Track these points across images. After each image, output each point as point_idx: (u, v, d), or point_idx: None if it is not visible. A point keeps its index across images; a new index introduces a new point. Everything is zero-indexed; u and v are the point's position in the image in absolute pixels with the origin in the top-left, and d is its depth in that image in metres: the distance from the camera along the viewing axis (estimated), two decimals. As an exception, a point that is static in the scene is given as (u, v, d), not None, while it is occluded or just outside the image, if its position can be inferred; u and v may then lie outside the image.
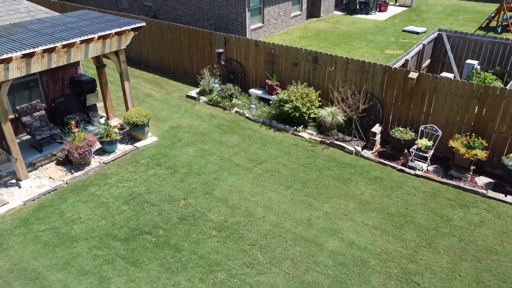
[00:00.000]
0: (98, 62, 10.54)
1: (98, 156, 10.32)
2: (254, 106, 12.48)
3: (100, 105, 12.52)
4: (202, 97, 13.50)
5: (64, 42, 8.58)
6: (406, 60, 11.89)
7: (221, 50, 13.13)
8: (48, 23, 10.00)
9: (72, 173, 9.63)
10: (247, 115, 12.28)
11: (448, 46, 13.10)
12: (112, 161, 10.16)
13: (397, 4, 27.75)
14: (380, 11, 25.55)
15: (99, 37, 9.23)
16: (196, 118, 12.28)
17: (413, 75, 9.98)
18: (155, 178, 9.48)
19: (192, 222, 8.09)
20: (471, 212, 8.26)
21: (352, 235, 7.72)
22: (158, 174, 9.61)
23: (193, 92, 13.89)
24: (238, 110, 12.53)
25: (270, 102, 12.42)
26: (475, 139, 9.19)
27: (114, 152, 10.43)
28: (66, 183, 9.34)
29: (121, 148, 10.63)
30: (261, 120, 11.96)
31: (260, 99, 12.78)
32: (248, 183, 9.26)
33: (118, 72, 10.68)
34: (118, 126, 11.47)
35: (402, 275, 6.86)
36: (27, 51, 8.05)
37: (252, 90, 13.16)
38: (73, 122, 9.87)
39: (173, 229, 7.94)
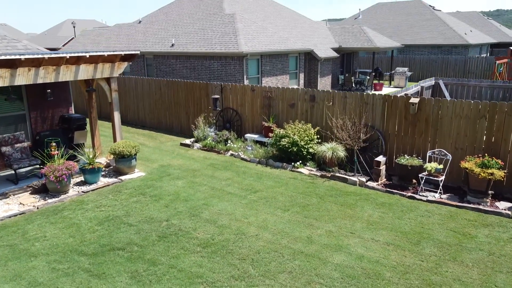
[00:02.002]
0: (88, 86, 10.26)
1: (78, 186, 9.43)
2: (250, 148, 11.89)
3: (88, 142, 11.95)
4: (196, 143, 12.97)
5: (53, 55, 8.37)
6: (406, 95, 11.60)
7: (217, 96, 12.99)
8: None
9: (45, 200, 8.67)
10: (242, 156, 11.61)
11: (446, 93, 12.96)
12: (92, 190, 9.25)
13: (391, 86, 28.75)
14: (375, 90, 26.32)
15: (90, 57, 9.05)
16: (188, 159, 11.59)
17: (415, 100, 9.58)
18: (137, 204, 8.49)
19: (173, 239, 6.95)
20: (497, 231, 7.13)
21: (361, 250, 6.53)
22: (141, 201, 8.63)
23: (188, 140, 13.41)
24: (233, 153, 11.90)
25: (267, 143, 11.84)
26: (489, 159, 8.41)
27: (95, 183, 9.55)
28: (37, 208, 8.33)
29: (104, 181, 9.77)
30: (257, 159, 11.25)
31: (256, 142, 12.23)
32: (240, 207, 8.25)
33: (108, 101, 10.31)
34: (104, 164, 10.74)
35: (425, 286, 5.57)
36: (11, 57, 7.78)
37: (248, 135, 12.68)
38: (53, 144, 9.19)
39: (150, 245, 6.78)
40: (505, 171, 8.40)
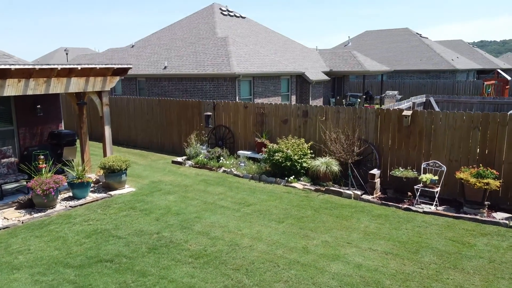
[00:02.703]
0: (79, 99, 10.12)
1: (66, 201, 9.15)
2: (242, 164, 11.74)
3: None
4: (188, 161, 12.79)
5: (43, 67, 8.28)
6: (399, 108, 11.63)
7: (209, 113, 12.93)
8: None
9: (31, 214, 8.36)
10: (235, 172, 11.44)
11: (437, 109, 13.05)
12: (80, 205, 8.96)
13: (382, 109, 28.99)
14: (366, 113, 26.51)
15: (82, 69, 8.98)
16: (180, 176, 11.38)
17: (407, 112, 9.60)
18: (127, 218, 8.22)
19: (164, 251, 6.68)
20: (496, 239, 6.99)
21: (358, 259, 6.32)
22: (130, 215, 8.37)
23: (179, 158, 13.22)
24: (226, 169, 11.73)
25: (260, 159, 11.71)
26: (484, 169, 8.35)
27: (84, 198, 9.28)
28: (22, 222, 8.02)
29: (93, 196, 9.50)
30: (250, 175, 11.08)
31: (249, 158, 12.09)
32: (234, 220, 8.02)
33: (99, 115, 10.17)
34: (94, 180, 10.48)
35: (427, 293, 5.37)
36: (1, 67, 7.67)
37: (241, 151, 12.55)
38: (41, 157, 8.96)
39: (139, 257, 6.50)
40: (501, 181, 8.33)
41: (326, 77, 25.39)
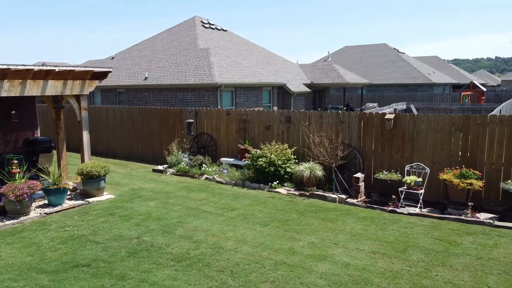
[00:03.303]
0: (56, 103, 9.80)
1: (41, 208, 8.75)
2: (225, 171, 11.54)
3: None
4: (169, 169, 12.51)
5: (19, 67, 7.99)
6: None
7: (191, 120, 12.74)
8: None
9: (2, 222, 7.94)
10: (217, 179, 11.22)
11: (418, 117, 13.19)
12: (56, 212, 8.58)
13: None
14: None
15: (60, 72, 8.71)
16: (161, 183, 11.09)
17: (390, 116, 9.64)
18: (106, 223, 7.89)
19: (145, 255, 6.39)
20: (482, 238, 6.96)
21: (346, 259, 6.17)
22: (109, 221, 8.04)
23: (160, 166, 12.93)
24: (208, 176, 11.50)
25: (243, 165, 11.53)
26: (467, 170, 8.40)
27: (60, 205, 8.89)
28: (-7, 229, 7.60)
29: (70, 203, 9.13)
30: (233, 182, 10.89)
31: (232, 165, 11.90)
32: (217, 224, 7.79)
33: (77, 119, 9.85)
34: (71, 187, 10.10)
35: (416, 290, 5.24)
36: (-25, 66, 7.35)
37: (223, 159, 12.37)
38: (15, 161, 8.58)
39: (118, 261, 6.19)
40: (483, 181, 8.38)
41: (307, 89, 25.57)
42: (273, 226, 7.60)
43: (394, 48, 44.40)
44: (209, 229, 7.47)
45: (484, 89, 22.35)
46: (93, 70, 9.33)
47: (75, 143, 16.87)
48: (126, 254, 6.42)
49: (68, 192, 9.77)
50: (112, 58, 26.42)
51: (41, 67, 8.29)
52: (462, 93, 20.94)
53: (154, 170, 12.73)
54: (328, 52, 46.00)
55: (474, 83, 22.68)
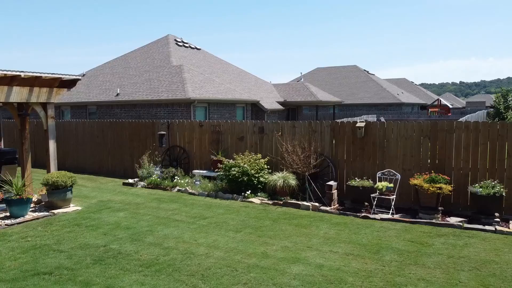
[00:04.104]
0: (21, 110, 9.45)
1: (1, 220, 8.30)
2: (198, 182, 11.34)
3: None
4: (140, 182, 12.20)
5: (-18, 71, 7.69)
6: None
7: (163, 132, 12.55)
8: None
9: (-41, 233, 7.46)
10: (190, 191, 11.01)
11: (388, 129, 13.47)
12: (18, 223, 8.15)
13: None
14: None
15: (26, 78, 8.44)
16: (131, 196, 10.78)
17: (361, 124, 9.79)
18: (71, 233, 7.54)
19: (111, 262, 6.11)
20: (452, 239, 7.04)
21: (320, 260, 6.09)
22: (75, 231, 7.69)
23: (131, 180, 12.59)
24: (180, 188, 11.27)
25: (216, 177, 11.37)
26: (436, 175, 8.56)
27: (23, 217, 8.46)
28: None
29: (33, 215, 8.71)
30: (206, 193, 10.70)
31: (205, 177, 11.72)
32: (189, 231, 7.58)
33: (44, 128, 9.51)
34: (35, 200, 9.66)
35: (390, 287, 5.20)
36: None
37: (196, 171, 12.18)
38: (-25, 170, 8.14)
39: (83, 268, 5.89)
40: (452, 185, 8.54)
41: (280, 107, 25.82)
42: (246, 232, 7.46)
43: (364, 70, 45.72)
44: (180, 236, 7.26)
45: (451, 106, 23.24)
46: (61, 77, 9.10)
47: (41, 160, 16.30)
48: (92, 262, 6.12)
49: (32, 205, 9.34)
50: (83, 75, 25.99)
51: (6, 72, 8.02)
52: (430, 109, 21.71)
53: (124, 184, 12.38)
54: (301, 73, 46.88)
55: (440, 99, 23.58)
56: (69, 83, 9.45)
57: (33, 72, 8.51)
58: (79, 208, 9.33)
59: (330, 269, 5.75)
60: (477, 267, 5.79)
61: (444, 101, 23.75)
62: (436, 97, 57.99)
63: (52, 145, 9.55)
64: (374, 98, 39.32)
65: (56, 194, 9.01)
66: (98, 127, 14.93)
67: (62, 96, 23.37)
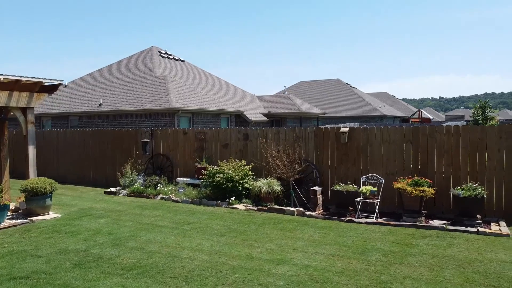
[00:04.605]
0: (0, 114, 9.22)
1: (-24, 227, 8.01)
2: (182, 190, 11.20)
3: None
4: (122, 190, 11.98)
5: (-40, 73, 7.51)
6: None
7: (146, 140, 12.41)
8: None
9: None
10: (173, 198, 10.85)
11: (371, 137, 13.60)
12: (-6, 231, 7.88)
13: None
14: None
15: (5, 82, 8.27)
16: (113, 203, 10.56)
17: (344, 129, 9.87)
18: (50, 239, 7.31)
19: (92, 266, 5.93)
20: (436, 240, 7.08)
21: (305, 261, 6.03)
22: (54, 237, 7.46)
23: (113, 188, 12.36)
24: (164, 196, 11.10)
25: (200, 184, 11.26)
26: (419, 178, 8.66)
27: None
28: None
29: (11, 222, 8.43)
30: (190, 200, 10.56)
31: (189, 185, 11.58)
32: (172, 236, 7.44)
33: (23, 133, 9.29)
34: (13, 208, 9.38)
35: (376, 284, 5.17)
36: None
37: (179, 178, 12.03)
38: (-51, 175, 7.87)
39: (62, 272, 5.70)
40: (435, 188, 8.63)
41: (264, 118, 25.90)
42: (231, 236, 7.36)
43: (346, 83, 46.40)
44: (163, 241, 7.11)
45: (431, 117, 23.75)
46: (42, 82, 8.94)
47: (20, 170, 15.89)
48: (71, 266, 5.93)
49: (9, 213, 9.06)
50: (65, 86, 25.67)
51: (-16, 75, 7.84)
52: (411, 120, 22.07)
53: (106, 192, 12.14)
54: (284, 86, 47.30)
55: (421, 111, 24.04)
56: (50, 88, 9.29)
57: (13, 76, 8.34)
58: (59, 215, 9.08)
59: (316, 269, 5.70)
60: (461, 265, 5.82)
61: (425, 113, 24.21)
62: (416, 110, 59.13)
63: (31, 151, 9.33)
64: (357, 110, 39.83)
65: (35, 201, 8.77)
66: (79, 136, 14.68)
67: (43, 103, 22.98)
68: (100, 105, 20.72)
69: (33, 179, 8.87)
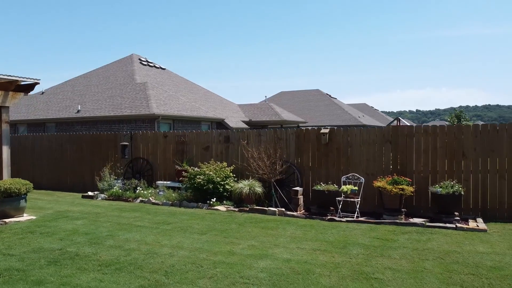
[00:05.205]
0: (-28, 113, 8.93)
1: None
2: (162, 193, 11.04)
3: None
4: (101, 194, 11.72)
5: None
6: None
7: (126, 143, 12.22)
8: None
9: None
10: (153, 201, 10.67)
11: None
12: (-36, 232, 7.56)
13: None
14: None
15: (-21, 78, 8.04)
16: (91, 206, 10.31)
17: (325, 130, 9.95)
18: (23, 240, 7.05)
19: (68, 263, 5.74)
20: (416, 235, 7.16)
21: (287, 256, 5.99)
22: (28, 237, 7.21)
23: (91, 192, 12.08)
24: (143, 199, 10.91)
25: (180, 187, 11.11)
26: (399, 177, 8.77)
27: (-30, 226, 7.87)
28: None
29: (-18, 224, 8.12)
30: (170, 202, 10.41)
31: (169, 188, 11.42)
32: (151, 235, 7.29)
33: (-4, 133, 9.02)
34: (-15, 210, 9.03)
35: (358, 275, 5.17)
36: None
37: (159, 182, 11.86)
38: None
39: (36, 269, 5.50)
40: (414, 186, 8.75)
41: (246, 126, 25.90)
42: (212, 234, 7.27)
43: (326, 94, 46.98)
44: (143, 239, 6.96)
45: (408, 123, 24.18)
46: (18, 81, 8.73)
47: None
48: (46, 263, 5.72)
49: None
50: (42, 93, 25.15)
51: (-43, 71, 7.60)
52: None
53: (83, 196, 11.86)
54: (265, 96, 47.58)
55: (399, 118, 24.46)
56: (27, 88, 9.08)
57: (-13, 73, 8.12)
58: (34, 217, 8.81)
59: (298, 263, 5.66)
60: (441, 256, 5.88)
61: (403, 121, 24.69)
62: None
63: (5, 151, 9.06)
64: (337, 120, 40.25)
65: (9, 202, 8.48)
66: (56, 140, 14.36)
67: (19, 109, 22.43)
68: (78, 111, 20.37)
69: (7, 180, 8.59)
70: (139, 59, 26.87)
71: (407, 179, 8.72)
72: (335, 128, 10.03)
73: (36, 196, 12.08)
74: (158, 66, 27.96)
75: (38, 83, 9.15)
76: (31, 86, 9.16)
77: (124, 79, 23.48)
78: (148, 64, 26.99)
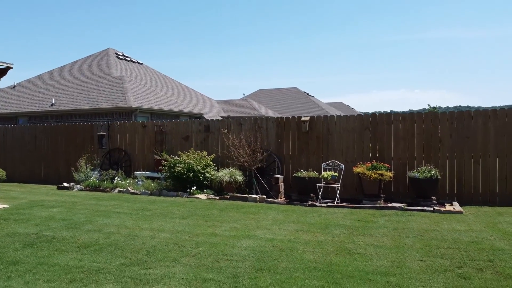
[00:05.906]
0: None
1: None
2: (140, 182, 10.85)
3: None
4: (77, 185, 11.43)
5: None
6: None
7: (103, 133, 11.96)
8: None
9: None
10: (132, 190, 10.48)
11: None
12: None
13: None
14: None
15: None
16: (67, 196, 10.04)
17: (306, 118, 10.00)
18: (-4, 226, 6.80)
19: (44, 246, 5.55)
20: (395, 217, 7.28)
21: (270, 236, 5.99)
22: (1, 224, 6.94)
23: (66, 183, 11.76)
24: (121, 189, 10.70)
25: (160, 177, 10.96)
26: (378, 163, 8.89)
27: None
28: None
29: (-49, 212, 7.77)
30: (149, 192, 10.25)
31: (148, 178, 11.23)
32: (131, 220, 7.15)
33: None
34: (-46, 200, 8.67)
35: (341, 251, 5.21)
36: None
37: (138, 172, 11.66)
38: None
39: (11, 251, 5.30)
40: (393, 172, 8.89)
41: (224, 122, 25.80)
42: (193, 219, 7.19)
43: (304, 92, 47.33)
44: (122, 224, 6.82)
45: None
46: (-11, 64, 8.41)
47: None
48: (21, 246, 5.53)
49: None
50: (14, 87, 24.34)
51: None
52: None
53: (59, 187, 11.55)
54: (243, 94, 47.49)
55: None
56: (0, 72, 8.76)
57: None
58: (7, 206, 8.50)
59: (281, 241, 5.66)
60: (421, 234, 6.00)
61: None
62: (371, 120, 61.23)
63: (-24, 138, 8.68)
64: (315, 118, 40.65)
65: (-20, 190, 8.15)
66: (30, 132, 13.93)
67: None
68: (52, 104, 19.81)
69: (-22, 167, 8.25)
70: (116, 53, 26.36)
71: (386, 165, 8.86)
72: (315, 116, 10.09)
73: (8, 188, 11.68)
74: (135, 61, 27.51)
75: (11, 68, 8.83)
76: (3, 71, 8.84)
77: (100, 72, 22.99)
78: (125, 58, 26.52)
